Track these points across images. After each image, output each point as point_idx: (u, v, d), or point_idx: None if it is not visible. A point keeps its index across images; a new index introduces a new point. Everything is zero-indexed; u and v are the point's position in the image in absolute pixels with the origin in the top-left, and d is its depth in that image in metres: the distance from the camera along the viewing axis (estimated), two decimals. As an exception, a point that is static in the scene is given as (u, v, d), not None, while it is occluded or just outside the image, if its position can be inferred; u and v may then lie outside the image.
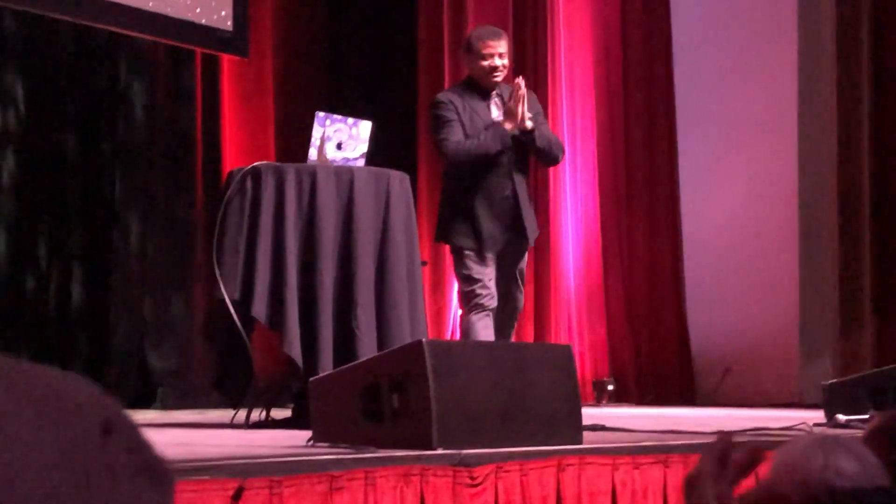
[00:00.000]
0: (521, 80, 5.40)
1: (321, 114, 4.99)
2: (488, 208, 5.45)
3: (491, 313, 5.43)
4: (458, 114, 5.41)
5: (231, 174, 4.84)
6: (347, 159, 4.95)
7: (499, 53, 5.47)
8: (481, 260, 5.45)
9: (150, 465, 0.73)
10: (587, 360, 7.81)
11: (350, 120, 4.97)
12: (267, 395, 4.89)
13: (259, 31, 6.89)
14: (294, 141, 6.29)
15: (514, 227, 5.52)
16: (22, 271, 6.26)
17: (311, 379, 3.87)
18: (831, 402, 4.91)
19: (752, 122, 8.28)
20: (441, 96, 5.60)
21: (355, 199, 4.75)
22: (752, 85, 8.30)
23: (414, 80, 7.50)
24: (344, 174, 4.79)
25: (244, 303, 4.69)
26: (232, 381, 4.96)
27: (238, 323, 4.67)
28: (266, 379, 4.91)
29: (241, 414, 4.78)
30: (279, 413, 4.94)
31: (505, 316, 5.54)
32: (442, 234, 5.57)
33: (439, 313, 7.21)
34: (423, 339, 3.47)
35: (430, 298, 6.85)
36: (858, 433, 1.82)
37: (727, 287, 8.32)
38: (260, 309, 4.67)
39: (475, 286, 5.42)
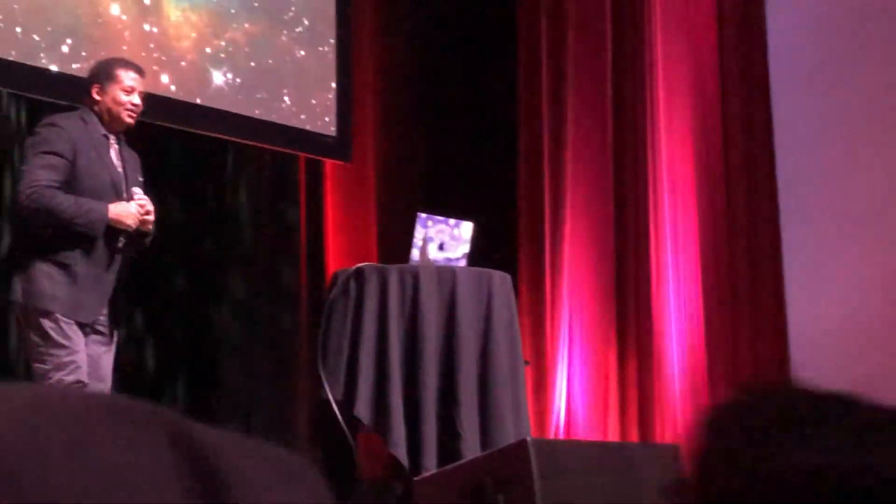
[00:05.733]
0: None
1: (423, 215, 5.04)
2: (90, 265, 4.18)
3: None
4: (73, 153, 4.17)
5: (336, 275, 4.89)
6: (449, 259, 4.98)
7: (139, 92, 4.37)
8: (71, 330, 4.11)
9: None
10: (693, 461, 7.67)
11: (451, 221, 5.01)
12: (371, 496, 4.87)
13: (361, 134, 6.99)
14: (396, 243, 6.34)
15: (114, 299, 4.29)
16: (126, 373, 6.34)
17: (415, 479, 3.86)
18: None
19: (862, 213, 8.16)
20: (61, 121, 4.23)
21: (457, 299, 4.78)
22: (860, 173, 8.20)
23: (513, 183, 7.55)
24: (446, 274, 4.82)
25: (348, 403, 4.71)
26: (336, 482, 4.96)
27: (343, 423, 4.68)
28: (370, 479, 4.90)
29: (346, 515, 4.77)
30: (383, 514, 4.93)
31: None
32: (24, 291, 4.12)
33: (543, 413, 7.15)
34: (528, 438, 3.44)
35: (532, 398, 6.81)
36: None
37: (837, 387, 8.15)
38: (363, 409, 4.68)
39: (64, 359, 4.07)
